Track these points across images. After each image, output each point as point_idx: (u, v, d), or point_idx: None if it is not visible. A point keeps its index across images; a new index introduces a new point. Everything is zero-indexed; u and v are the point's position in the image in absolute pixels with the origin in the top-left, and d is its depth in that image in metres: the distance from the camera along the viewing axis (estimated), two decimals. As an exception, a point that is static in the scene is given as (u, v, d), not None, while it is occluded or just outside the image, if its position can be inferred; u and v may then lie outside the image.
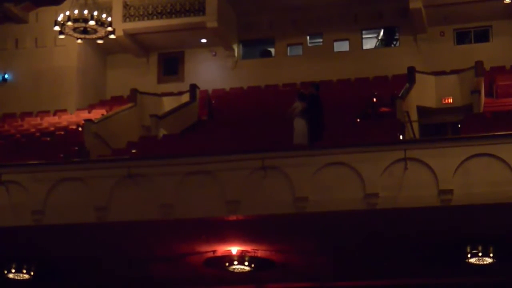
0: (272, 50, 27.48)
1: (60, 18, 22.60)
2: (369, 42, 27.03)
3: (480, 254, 13.44)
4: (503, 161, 12.28)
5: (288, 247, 14.27)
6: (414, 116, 20.86)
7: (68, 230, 13.74)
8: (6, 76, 26.50)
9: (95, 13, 22.72)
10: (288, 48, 27.21)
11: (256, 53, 27.79)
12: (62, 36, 23.07)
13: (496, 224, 12.91)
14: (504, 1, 21.25)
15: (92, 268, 15.47)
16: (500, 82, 22.62)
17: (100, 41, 23.74)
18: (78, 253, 14.68)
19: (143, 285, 16.22)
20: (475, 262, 13.62)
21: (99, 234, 13.87)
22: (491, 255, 13.44)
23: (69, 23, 22.34)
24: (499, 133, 13.00)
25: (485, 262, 13.60)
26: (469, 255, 13.50)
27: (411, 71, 22.32)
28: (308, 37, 27.05)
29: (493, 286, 15.36)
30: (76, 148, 19.37)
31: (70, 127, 23.06)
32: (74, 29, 22.59)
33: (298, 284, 16.28)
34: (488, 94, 22.29)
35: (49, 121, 24.36)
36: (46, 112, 25.25)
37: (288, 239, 13.95)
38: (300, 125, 15.30)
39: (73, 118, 24.29)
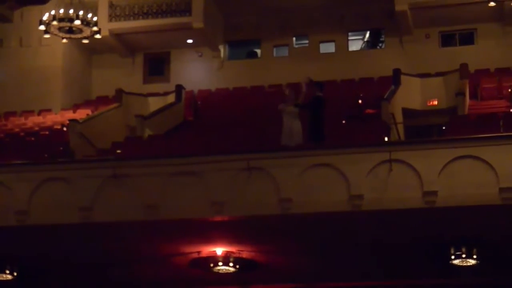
0: (258, 51, 27.48)
1: (45, 17, 22.51)
2: (355, 43, 27.08)
3: (463, 255, 13.50)
4: (487, 163, 12.35)
5: (273, 248, 14.27)
6: (399, 117, 20.92)
7: (52, 231, 13.67)
8: (-10, 75, 26.39)
9: (81, 12, 22.63)
10: (274, 49, 27.22)
11: (242, 54, 27.78)
12: (47, 36, 22.97)
13: (480, 226, 12.97)
14: (489, 4, 21.36)
15: (76, 269, 15.41)
16: (485, 84, 22.75)
17: (85, 41, 23.66)
18: (62, 254, 14.62)
19: (127, 286, 16.17)
20: (458, 264, 13.68)
21: (84, 234, 13.81)
22: (475, 256, 13.50)
23: (54, 23, 22.25)
24: (483, 135, 13.08)
25: (468, 264, 13.66)
26: (452, 257, 13.56)
27: (397, 73, 22.38)
28: (294, 38, 27.06)
29: (476, 287, 15.43)
30: (61, 148, 19.30)
31: (55, 127, 22.97)
32: (60, 29, 22.50)
33: (283, 285, 16.29)
34: (473, 96, 22.40)
35: (33, 120, 24.26)
36: (31, 112, 25.14)
37: (273, 240, 13.96)
38: (296, 126, 14.98)
39: (57, 118, 24.19)
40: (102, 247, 14.27)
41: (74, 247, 14.31)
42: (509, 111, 19.48)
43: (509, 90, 21.74)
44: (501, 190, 12.19)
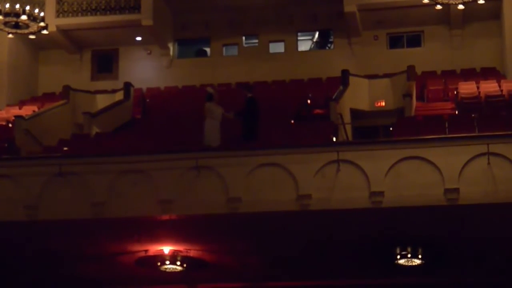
0: (208, 49, 27.45)
1: (-10, 12, 22.11)
2: (304, 44, 27.23)
3: (409, 255, 13.68)
4: (433, 164, 12.52)
5: (220, 247, 14.27)
6: (347, 118, 21.10)
7: (-4, 228, 13.48)
8: None
9: (27, 7, 22.28)
10: (224, 48, 27.22)
11: (191, 52, 27.71)
12: (-8, 30, 22.57)
13: (425, 226, 13.15)
14: (436, 7, 21.67)
15: (22, 268, 15.19)
16: (431, 86, 23.08)
17: (32, 36, 23.28)
18: (7, 252, 14.39)
19: (75, 284, 16.00)
20: (404, 263, 13.85)
21: (29, 232, 13.63)
22: (420, 256, 13.69)
23: (0, 17, 21.87)
24: (429, 136, 13.26)
25: (414, 263, 13.84)
26: (398, 256, 13.72)
27: (345, 73, 22.57)
28: (243, 38, 27.10)
29: (422, 287, 15.64)
30: (6, 145, 19.00)
31: (0, 123, 22.60)
32: (5, 24, 22.09)
33: (230, 284, 16.29)
34: (419, 98, 22.70)
35: (-22, 116, 23.84)
36: (-25, 108, 24.74)
37: (220, 239, 13.95)
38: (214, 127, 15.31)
39: (3, 114, 23.82)
40: (47, 245, 14.10)
41: (19, 245, 14.11)
42: (455, 113, 19.79)
43: (455, 92, 22.10)
44: (446, 191, 12.37)
